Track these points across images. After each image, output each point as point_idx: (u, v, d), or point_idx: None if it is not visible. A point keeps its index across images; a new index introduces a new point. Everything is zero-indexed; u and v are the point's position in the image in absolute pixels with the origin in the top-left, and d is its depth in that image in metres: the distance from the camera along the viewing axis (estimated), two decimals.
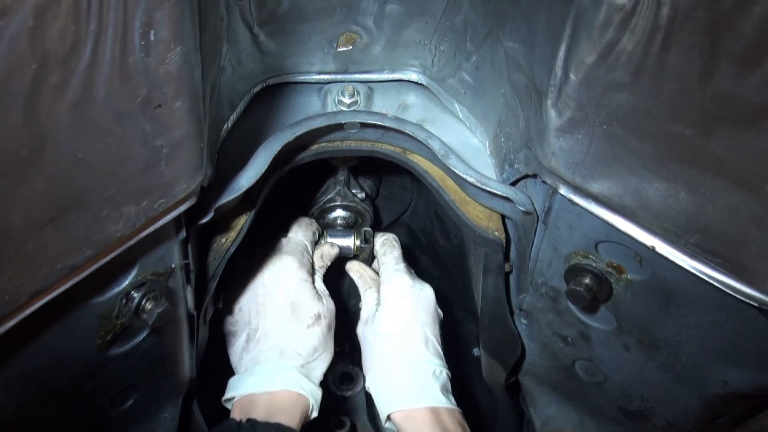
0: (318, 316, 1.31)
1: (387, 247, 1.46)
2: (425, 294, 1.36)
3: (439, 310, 1.38)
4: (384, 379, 1.27)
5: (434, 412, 1.21)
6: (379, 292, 1.39)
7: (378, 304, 1.36)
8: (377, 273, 1.49)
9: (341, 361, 1.92)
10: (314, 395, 1.24)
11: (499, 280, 1.40)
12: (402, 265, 1.41)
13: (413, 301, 1.33)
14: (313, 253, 1.46)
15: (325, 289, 1.42)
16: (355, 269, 1.50)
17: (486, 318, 1.50)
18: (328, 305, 1.36)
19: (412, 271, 1.42)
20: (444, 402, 1.23)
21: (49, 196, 0.78)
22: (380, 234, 1.52)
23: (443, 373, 1.27)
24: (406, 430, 1.20)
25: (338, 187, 1.65)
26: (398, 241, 1.49)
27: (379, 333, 1.31)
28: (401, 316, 1.32)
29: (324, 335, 1.31)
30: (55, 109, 0.71)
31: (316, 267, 1.45)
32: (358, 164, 1.67)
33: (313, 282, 1.39)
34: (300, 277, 1.35)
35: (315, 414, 1.24)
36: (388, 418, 1.24)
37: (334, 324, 1.36)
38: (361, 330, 1.36)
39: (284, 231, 1.50)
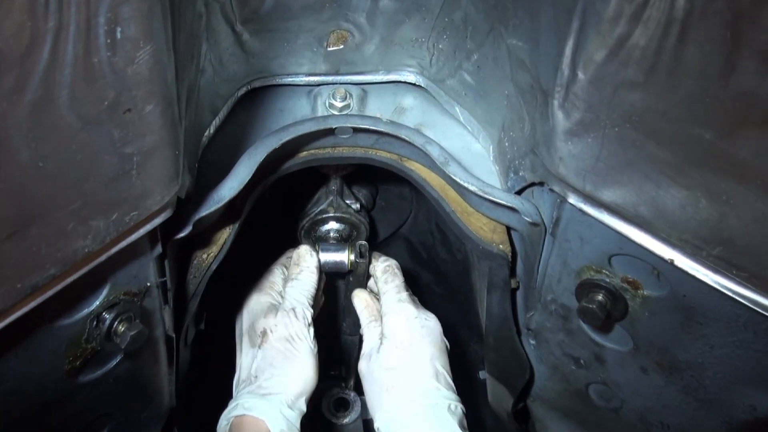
0: (263, 333, 1.31)
1: (388, 275, 1.44)
2: (431, 324, 1.33)
3: (446, 341, 1.36)
4: (396, 418, 1.24)
5: None
6: (382, 324, 1.37)
7: (382, 336, 1.34)
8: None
9: (336, 386, 1.90)
10: (270, 414, 1.19)
11: (505, 297, 1.39)
12: (405, 294, 1.38)
13: (419, 332, 1.31)
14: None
15: (298, 295, 1.38)
16: (362, 299, 1.47)
17: (491, 338, 1.48)
18: (284, 318, 1.32)
19: (416, 299, 1.40)
20: None
21: (8, 208, 0.76)
22: (381, 259, 1.49)
23: (458, 408, 1.24)
24: None
25: (330, 198, 1.63)
26: (400, 268, 1.47)
27: (385, 367, 1.29)
28: (408, 349, 1.29)
29: (276, 350, 1.28)
30: (11, 113, 0.70)
31: (289, 277, 1.44)
32: (352, 172, 1.66)
33: (278, 295, 1.41)
34: (259, 300, 1.39)
35: None
36: None
37: (301, 333, 1.31)
38: (365, 366, 1.33)
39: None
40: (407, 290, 1.40)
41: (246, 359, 1.31)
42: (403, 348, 1.29)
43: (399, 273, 1.45)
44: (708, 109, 0.83)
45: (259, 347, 1.30)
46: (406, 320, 1.32)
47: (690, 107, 0.84)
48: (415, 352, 1.29)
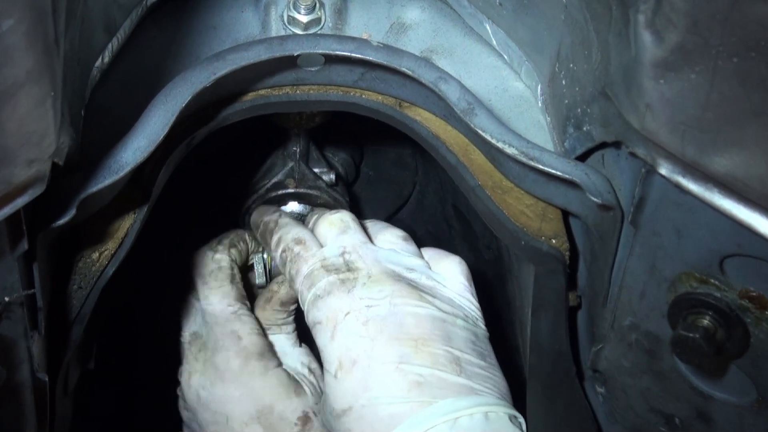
0: (305, 419, 1.48)
1: (287, 255, 1.41)
2: (381, 310, 1.27)
3: (458, 285, 1.34)
4: None
5: None
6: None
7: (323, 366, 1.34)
8: None
9: None
10: None
11: (560, 321, 1.39)
12: (324, 279, 1.32)
13: (360, 338, 1.26)
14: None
15: (300, 349, 1.55)
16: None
17: (538, 383, 1.48)
18: (311, 388, 1.49)
19: (357, 264, 1.33)
20: None
21: None
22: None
23: (477, 415, 1.20)
24: None
25: (290, 164, 1.64)
26: (293, 220, 1.47)
27: (337, 414, 1.28)
28: (352, 372, 1.26)
29: None
30: None
31: (268, 322, 1.56)
32: (323, 125, 1.65)
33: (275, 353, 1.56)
34: (265, 373, 1.51)
35: None
36: None
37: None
38: (325, 419, 1.34)
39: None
40: (331, 271, 1.33)
41: None
42: (345, 373, 1.27)
43: (287, 224, 1.45)
44: None
45: None
46: (333, 329, 1.30)
47: None
48: (368, 371, 1.26)
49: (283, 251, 1.39)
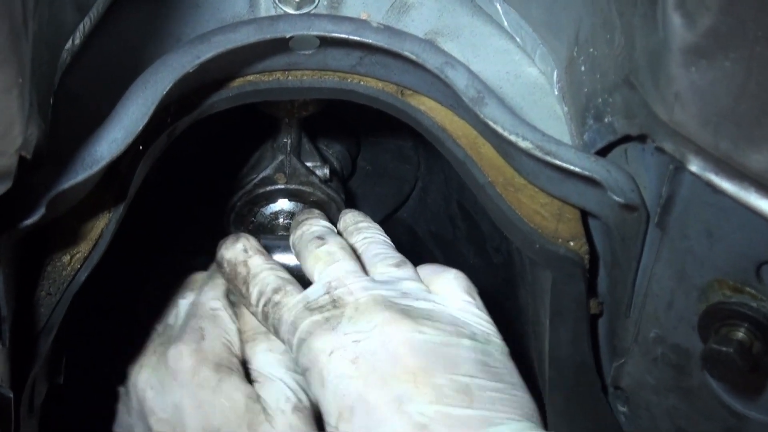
0: None
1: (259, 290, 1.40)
2: (372, 345, 1.25)
3: (467, 299, 1.33)
4: None
5: None
6: None
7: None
8: None
9: None
10: None
11: (580, 331, 1.40)
12: (313, 322, 1.29)
13: (349, 382, 1.23)
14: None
15: (293, 374, 1.44)
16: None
17: (560, 398, 1.49)
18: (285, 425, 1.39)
19: (341, 303, 1.31)
20: None
21: None
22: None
23: None
24: None
25: (280, 157, 1.64)
26: (265, 260, 1.44)
27: None
28: (350, 422, 1.26)
29: None
30: None
31: (254, 330, 1.49)
32: (317, 115, 1.65)
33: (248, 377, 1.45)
34: (216, 387, 1.42)
35: None
36: None
37: None
38: None
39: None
40: (314, 310, 1.31)
41: None
42: (345, 423, 1.22)
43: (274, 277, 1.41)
44: None
45: None
46: (321, 374, 1.27)
47: None
48: (368, 419, 1.21)
49: (264, 305, 1.37)
